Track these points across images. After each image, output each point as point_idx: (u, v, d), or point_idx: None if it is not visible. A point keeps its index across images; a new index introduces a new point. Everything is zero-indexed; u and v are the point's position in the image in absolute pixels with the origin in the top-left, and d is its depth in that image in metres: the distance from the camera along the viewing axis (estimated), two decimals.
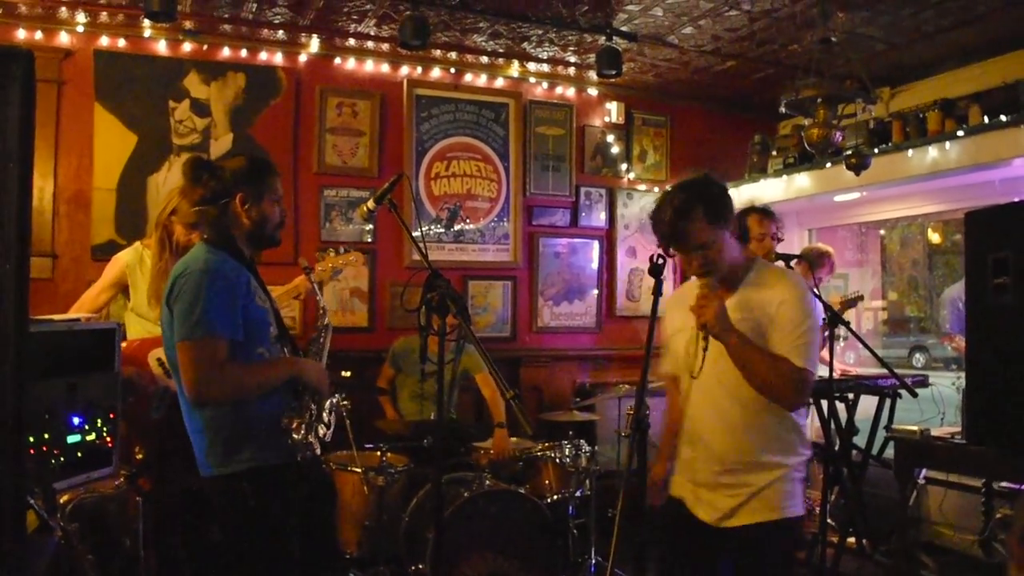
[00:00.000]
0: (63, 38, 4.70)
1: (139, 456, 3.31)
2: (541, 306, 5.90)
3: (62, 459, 2.53)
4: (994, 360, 2.92)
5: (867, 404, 4.75)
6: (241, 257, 2.53)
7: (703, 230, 2.38)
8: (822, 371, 3.65)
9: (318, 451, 2.59)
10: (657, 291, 2.49)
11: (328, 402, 2.63)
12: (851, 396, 4.62)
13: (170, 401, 2.71)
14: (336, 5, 4.59)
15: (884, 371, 4.49)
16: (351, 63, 5.35)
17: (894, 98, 5.59)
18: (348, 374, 4.27)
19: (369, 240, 5.36)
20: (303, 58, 5.23)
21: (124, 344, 3.28)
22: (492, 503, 3.93)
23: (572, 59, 5.53)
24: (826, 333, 3.95)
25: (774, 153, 6.11)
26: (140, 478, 3.22)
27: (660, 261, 2.48)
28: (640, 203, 6.20)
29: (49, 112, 4.62)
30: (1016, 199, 4.21)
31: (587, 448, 4.35)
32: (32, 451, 2.39)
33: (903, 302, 12.86)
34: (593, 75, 5.50)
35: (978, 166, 4.70)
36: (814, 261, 4.83)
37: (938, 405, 5.06)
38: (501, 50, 5.37)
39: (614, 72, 4.95)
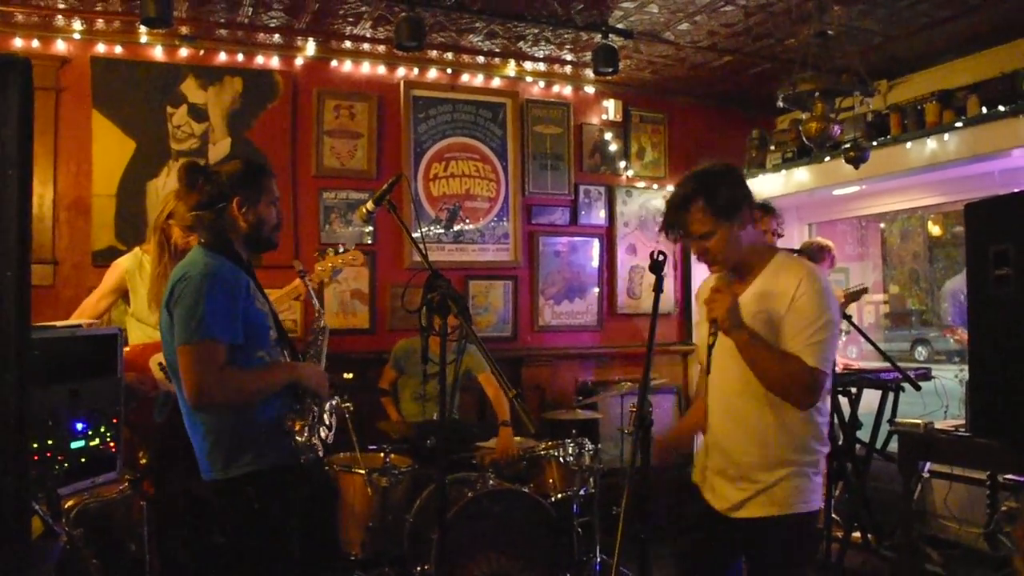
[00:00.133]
0: (60, 46, 4.70)
1: (142, 461, 3.32)
2: (542, 305, 5.90)
3: (66, 465, 2.53)
4: (996, 352, 2.92)
5: (870, 398, 4.74)
6: (239, 260, 2.53)
7: (701, 221, 2.39)
8: None
9: (321, 453, 2.59)
10: (658, 288, 2.49)
11: (328, 404, 2.63)
12: (854, 390, 4.62)
13: (172, 405, 2.71)
14: (331, 8, 4.58)
15: (887, 365, 4.49)
16: (347, 65, 5.35)
17: (892, 90, 5.59)
18: (350, 376, 4.27)
19: (369, 242, 5.36)
20: (299, 61, 5.23)
21: (126, 349, 3.28)
22: (496, 503, 3.93)
23: (568, 57, 5.53)
24: None
25: (772, 148, 6.11)
26: (144, 482, 3.23)
27: (660, 258, 2.48)
28: (639, 200, 6.21)
29: (47, 119, 4.62)
30: (1016, 190, 4.21)
31: (590, 446, 4.35)
32: (36, 457, 2.39)
33: (904, 295, 12.84)
34: (590, 73, 5.50)
35: (977, 157, 4.70)
36: (814, 255, 4.83)
37: (941, 398, 5.06)
38: (497, 50, 5.37)
39: (611, 70, 4.95)
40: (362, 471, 3.96)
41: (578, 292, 6.02)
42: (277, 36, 5.03)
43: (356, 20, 4.79)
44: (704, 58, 5.46)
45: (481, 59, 5.54)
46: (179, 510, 3.17)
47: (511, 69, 5.71)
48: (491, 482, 4.04)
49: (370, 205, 2.95)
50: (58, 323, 3.03)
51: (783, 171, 5.90)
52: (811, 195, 6.00)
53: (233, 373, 2.36)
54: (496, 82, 5.77)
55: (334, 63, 5.32)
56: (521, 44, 5.25)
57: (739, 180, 2.47)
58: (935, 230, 11.60)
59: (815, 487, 2.41)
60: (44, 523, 2.28)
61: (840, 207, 6.37)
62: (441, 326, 2.57)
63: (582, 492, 4.25)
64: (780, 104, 4.60)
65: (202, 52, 4.99)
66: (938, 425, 3.76)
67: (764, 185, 5.99)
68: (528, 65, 5.70)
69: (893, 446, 4.48)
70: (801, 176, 5.79)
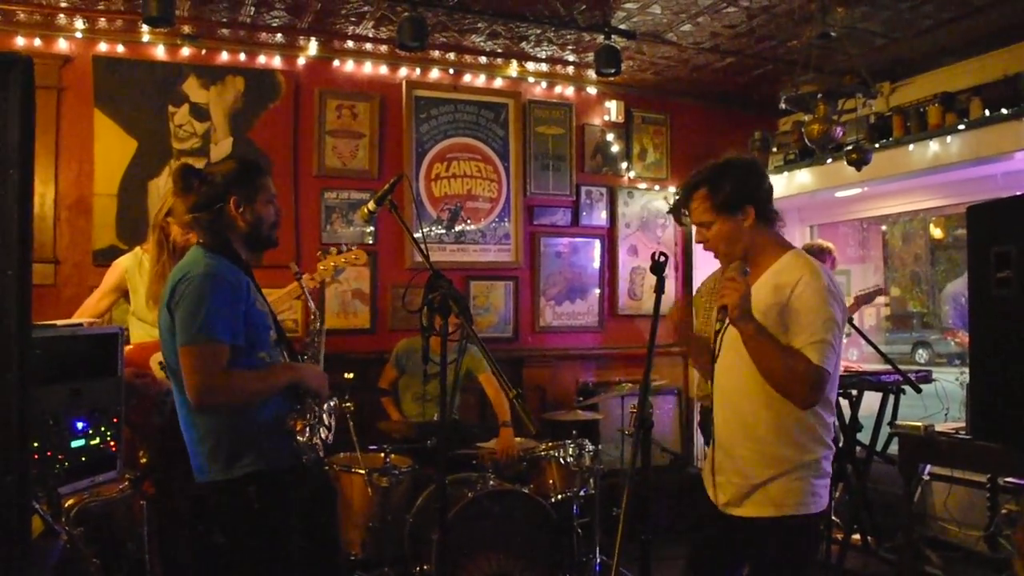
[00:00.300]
0: (62, 44, 4.70)
1: (143, 460, 3.32)
2: (543, 306, 5.90)
3: (66, 464, 2.54)
4: (997, 355, 2.91)
5: (871, 400, 4.74)
6: (238, 261, 2.53)
7: (701, 211, 2.46)
8: None
9: (321, 454, 2.59)
10: (659, 289, 2.48)
11: (327, 405, 2.62)
12: (855, 392, 4.61)
13: (172, 405, 2.70)
14: (334, 7, 4.58)
15: (888, 367, 4.49)
16: (350, 65, 5.35)
17: (894, 92, 5.58)
18: (351, 376, 4.27)
19: (370, 242, 5.36)
20: (301, 61, 5.23)
21: (127, 348, 3.29)
22: (496, 503, 3.93)
23: (571, 58, 5.53)
24: None
25: (774, 150, 6.10)
26: (144, 482, 3.23)
27: (662, 259, 2.49)
28: (641, 201, 6.20)
29: (49, 118, 4.62)
30: (1018, 192, 4.21)
31: (591, 447, 4.34)
32: (36, 456, 2.39)
33: (906, 298, 12.85)
34: (592, 74, 5.49)
35: (980, 160, 4.69)
36: (815, 258, 4.82)
37: (942, 401, 5.05)
38: (499, 50, 5.37)
39: (613, 71, 4.95)
40: (362, 471, 3.96)
41: (579, 293, 6.02)
42: (279, 36, 5.03)
43: (358, 20, 4.79)
44: (706, 59, 5.46)
45: (483, 59, 5.54)
46: (181, 511, 3.17)
47: (513, 70, 5.71)
48: (491, 482, 4.04)
49: (372, 205, 2.95)
50: (59, 322, 3.04)
51: (785, 173, 5.89)
52: (813, 197, 6.00)
53: (236, 374, 2.35)
54: (498, 82, 5.77)
55: (336, 63, 5.32)
56: (523, 44, 5.25)
57: (749, 176, 2.47)
58: (937, 232, 11.61)
59: (815, 490, 2.36)
60: (44, 522, 2.28)
61: (842, 209, 6.37)
62: (442, 326, 2.57)
63: (582, 493, 4.24)
64: (782, 106, 4.60)
65: (204, 51, 4.99)
66: (938, 428, 3.76)
67: None
68: (530, 66, 5.69)
69: (893, 448, 4.48)
70: (803, 178, 5.79)
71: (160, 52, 4.92)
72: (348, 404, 3.81)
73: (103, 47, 4.78)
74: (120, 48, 4.81)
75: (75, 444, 2.60)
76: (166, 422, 3.10)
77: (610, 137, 6.11)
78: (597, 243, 6.09)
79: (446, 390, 2.58)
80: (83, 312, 3.68)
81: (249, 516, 2.38)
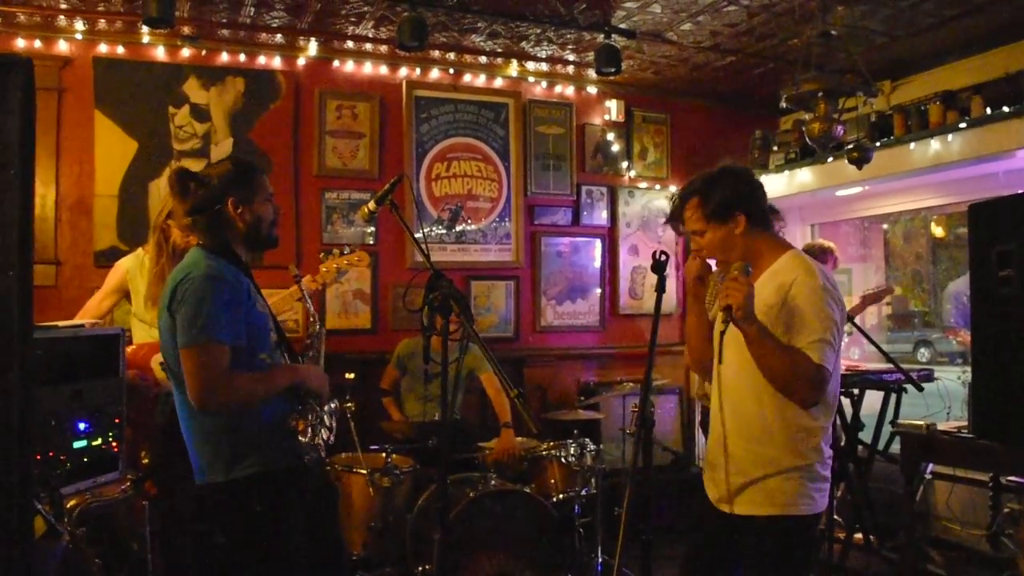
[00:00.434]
0: (62, 46, 4.70)
1: (145, 460, 3.33)
2: (544, 305, 5.89)
3: (68, 464, 2.54)
4: (1000, 354, 2.91)
5: (872, 399, 4.74)
6: (239, 262, 2.53)
7: (694, 219, 2.52)
8: None
9: (323, 454, 2.59)
10: (660, 288, 2.49)
11: (328, 406, 2.62)
12: (856, 391, 4.61)
13: (174, 405, 2.71)
14: (333, 8, 4.58)
15: (889, 366, 4.49)
16: (350, 65, 5.35)
17: (895, 91, 5.58)
18: (352, 376, 4.27)
19: (371, 242, 5.35)
20: (302, 61, 5.22)
21: (128, 349, 3.29)
22: (498, 503, 3.93)
23: (571, 57, 5.53)
24: None
25: (775, 148, 6.10)
26: (146, 482, 3.23)
27: (663, 258, 2.50)
28: (641, 201, 6.20)
29: (50, 120, 4.62)
30: (1020, 190, 4.20)
31: (592, 447, 4.35)
32: (39, 457, 2.40)
33: (907, 296, 12.84)
34: (592, 73, 5.49)
35: (981, 158, 4.69)
36: (817, 258, 4.81)
37: (944, 400, 5.05)
38: (499, 50, 5.37)
39: (613, 70, 4.95)
40: (364, 471, 3.96)
41: (580, 292, 6.01)
42: (279, 36, 5.03)
43: (358, 20, 4.79)
44: (707, 58, 5.46)
45: (483, 59, 5.54)
46: (183, 511, 3.18)
47: (513, 69, 5.71)
48: (493, 482, 4.04)
49: (372, 205, 2.95)
50: (61, 323, 3.05)
51: (786, 172, 5.89)
52: (814, 196, 5.99)
53: (237, 376, 2.35)
54: (498, 82, 5.77)
55: (336, 63, 5.32)
56: (523, 44, 5.25)
57: (739, 184, 2.51)
58: (938, 231, 11.60)
59: (809, 492, 2.37)
60: (47, 522, 2.29)
61: (843, 208, 6.36)
62: (443, 326, 2.57)
63: (584, 493, 4.25)
64: (783, 104, 4.60)
65: (204, 52, 4.99)
66: (940, 426, 3.75)
67: (767, 186, 5.86)
68: (530, 65, 5.69)
69: (895, 447, 4.48)
70: (804, 177, 5.78)
71: (160, 53, 4.92)
72: (349, 404, 3.81)
73: (103, 48, 4.78)
74: (120, 49, 4.81)
75: (77, 445, 2.60)
76: (168, 422, 3.11)
77: (610, 136, 6.11)
78: (598, 242, 6.09)
79: (447, 389, 2.58)
80: (85, 313, 3.69)
81: (251, 517, 2.38)
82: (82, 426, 2.62)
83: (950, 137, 4.78)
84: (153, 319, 3.18)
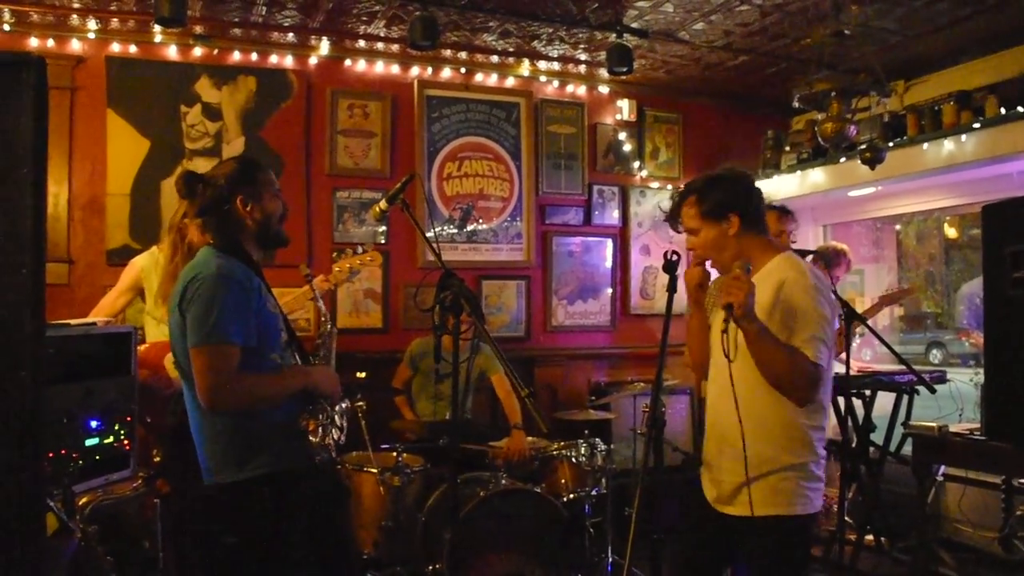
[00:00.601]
0: (75, 45, 4.72)
1: (156, 458, 3.34)
2: (555, 305, 5.89)
3: (80, 462, 2.55)
4: (1013, 355, 2.89)
5: (884, 401, 4.71)
6: (250, 262, 2.52)
7: (689, 217, 2.57)
8: (838, 368, 3.63)
9: (334, 454, 2.59)
10: (672, 288, 2.49)
11: (339, 406, 2.62)
12: (868, 393, 4.59)
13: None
14: (345, 7, 4.59)
15: (901, 367, 4.46)
16: (361, 64, 5.36)
17: (908, 91, 5.55)
18: (363, 375, 4.27)
19: (382, 241, 5.36)
20: (313, 60, 5.23)
21: (141, 347, 3.30)
22: (508, 502, 3.93)
23: (583, 57, 5.52)
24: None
25: (787, 148, 6.07)
26: (158, 480, 3.25)
27: (674, 258, 2.51)
28: (653, 200, 6.18)
29: (62, 119, 4.65)
30: None
31: (603, 447, 4.34)
32: (51, 455, 2.41)
33: (920, 298, 12.76)
34: (604, 73, 5.48)
35: (995, 158, 4.66)
36: (830, 260, 4.81)
37: (956, 401, 5.01)
38: (511, 49, 5.37)
39: (625, 69, 4.93)
40: (374, 470, 3.96)
41: (591, 292, 6.00)
42: (291, 35, 5.04)
43: (370, 19, 4.79)
44: (719, 58, 5.44)
45: (495, 58, 5.54)
46: (194, 509, 3.19)
47: (525, 68, 5.71)
48: (503, 482, 4.04)
49: (383, 204, 2.95)
50: (73, 321, 3.06)
51: (798, 172, 5.86)
52: (826, 196, 5.96)
53: (248, 377, 2.35)
54: (510, 81, 5.77)
55: (348, 62, 5.32)
56: (535, 43, 5.25)
57: (736, 186, 2.56)
58: (951, 232, 11.51)
59: (804, 492, 2.38)
60: (59, 520, 2.30)
61: (856, 208, 6.33)
62: (454, 325, 2.57)
63: (594, 492, 4.24)
64: (796, 104, 4.58)
65: (216, 51, 5.01)
66: (953, 428, 3.73)
67: (779, 186, 5.96)
68: (542, 64, 5.69)
69: (907, 449, 4.46)
70: (816, 177, 5.76)
71: (172, 52, 4.94)
72: (360, 403, 3.81)
73: (116, 47, 4.80)
74: (133, 48, 4.83)
75: (89, 443, 2.61)
76: (179, 420, 3.11)
77: (622, 136, 6.10)
78: (609, 242, 6.08)
79: (458, 388, 2.58)
80: (99, 311, 3.71)
81: (261, 517, 2.38)
82: (94, 424, 2.63)
83: (964, 137, 4.75)
84: (163, 316, 3.19)
